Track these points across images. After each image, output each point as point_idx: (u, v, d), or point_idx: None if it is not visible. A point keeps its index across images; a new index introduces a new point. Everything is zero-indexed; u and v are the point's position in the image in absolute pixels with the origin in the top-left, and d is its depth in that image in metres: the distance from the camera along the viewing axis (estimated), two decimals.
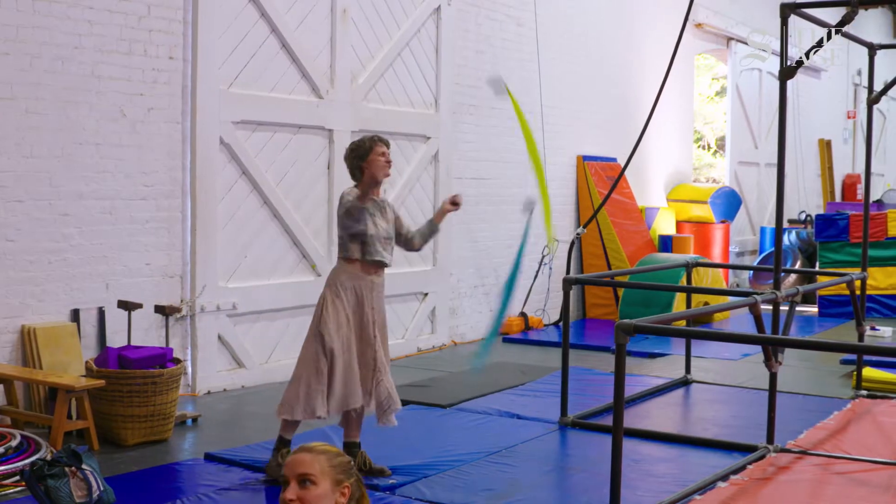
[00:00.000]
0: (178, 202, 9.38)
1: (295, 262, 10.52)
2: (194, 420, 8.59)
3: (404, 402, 9.26)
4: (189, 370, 9.51)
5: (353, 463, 3.58)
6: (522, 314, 13.78)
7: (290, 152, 10.41)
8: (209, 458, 7.46)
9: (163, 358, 8.09)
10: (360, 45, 11.13)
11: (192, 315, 9.50)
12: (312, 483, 3.42)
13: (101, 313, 8.80)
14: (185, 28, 9.36)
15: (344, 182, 10.32)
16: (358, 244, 6.88)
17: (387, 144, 7.01)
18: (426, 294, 12.17)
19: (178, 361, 8.26)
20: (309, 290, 10.50)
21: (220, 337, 9.74)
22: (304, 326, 10.40)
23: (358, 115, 11.07)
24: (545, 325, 14.10)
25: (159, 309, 8.91)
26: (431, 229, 7.35)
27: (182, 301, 9.43)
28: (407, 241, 7.29)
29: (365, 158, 6.88)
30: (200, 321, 9.54)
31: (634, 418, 8.88)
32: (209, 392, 9.62)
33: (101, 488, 6.23)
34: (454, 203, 7.28)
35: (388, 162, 6.98)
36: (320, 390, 6.77)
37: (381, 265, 7.00)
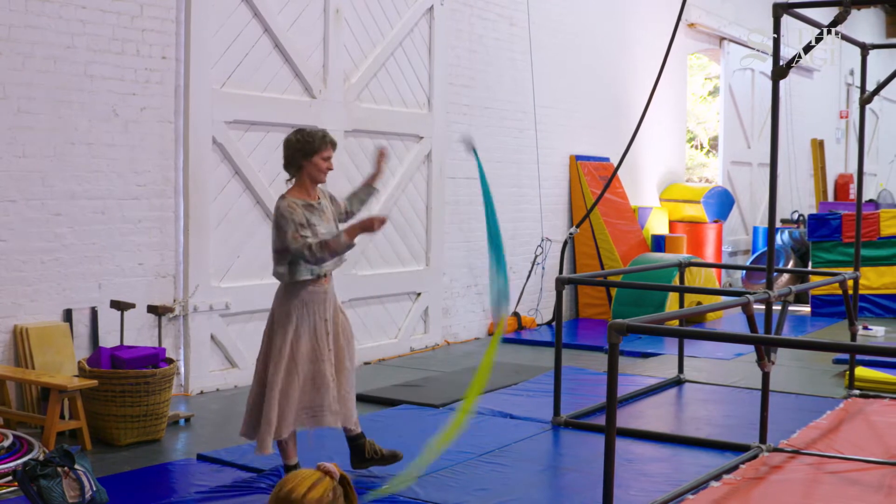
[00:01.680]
0: (170, 202, 9.38)
1: None
2: (187, 420, 8.59)
3: (397, 402, 9.28)
4: (182, 370, 9.50)
5: (338, 489, 3.40)
6: (515, 314, 13.78)
7: (282, 152, 10.37)
8: (202, 458, 7.45)
9: (155, 358, 8.08)
10: (352, 44, 11.13)
11: (184, 315, 9.49)
12: None
13: (94, 313, 8.79)
14: (178, 28, 9.35)
15: (335, 183, 10.34)
16: (296, 264, 6.53)
17: (334, 146, 6.69)
18: (419, 294, 12.17)
19: (170, 361, 8.25)
20: None
21: (212, 337, 9.73)
22: None
23: (351, 114, 11.06)
24: (538, 325, 14.11)
25: (152, 309, 8.90)
26: (368, 191, 6.97)
27: (175, 301, 9.42)
28: (349, 217, 6.94)
29: (310, 157, 6.56)
30: (193, 321, 9.53)
31: (627, 418, 8.89)
32: (202, 392, 9.62)
33: (94, 488, 6.22)
34: (382, 155, 6.94)
35: (330, 168, 6.66)
36: (288, 409, 6.50)
37: (323, 276, 6.64)
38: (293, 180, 6.69)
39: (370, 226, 6.47)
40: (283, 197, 6.60)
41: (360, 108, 11.22)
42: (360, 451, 6.98)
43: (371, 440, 7.04)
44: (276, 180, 10.28)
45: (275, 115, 10.25)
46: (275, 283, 10.17)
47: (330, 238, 6.44)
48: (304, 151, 6.56)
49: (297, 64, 10.44)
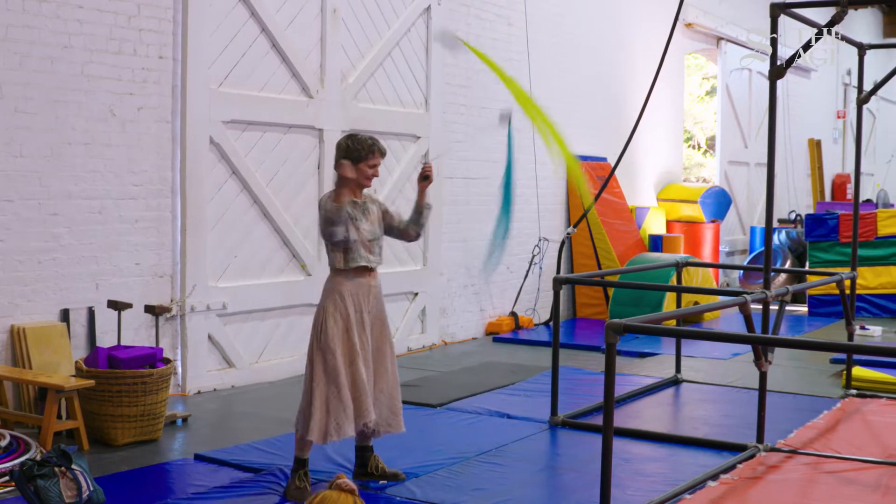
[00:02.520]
0: (167, 202, 9.37)
1: (285, 262, 10.52)
2: (184, 420, 8.58)
3: None
4: (179, 370, 9.49)
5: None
6: (513, 313, 13.79)
7: (279, 152, 10.40)
8: (199, 458, 7.45)
9: (153, 358, 8.08)
10: (350, 44, 11.13)
11: (181, 315, 9.48)
12: None
13: (91, 313, 8.78)
14: (175, 27, 9.35)
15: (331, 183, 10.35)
16: (340, 252, 6.71)
17: (383, 154, 6.85)
18: (416, 294, 12.16)
19: (167, 361, 8.25)
20: (299, 290, 10.52)
21: (210, 337, 9.73)
22: (295, 326, 10.48)
23: (348, 114, 11.06)
24: (535, 325, 14.11)
25: (149, 309, 8.90)
26: (419, 212, 7.07)
27: (172, 301, 9.42)
28: (402, 233, 7.08)
29: (357, 162, 6.69)
30: (190, 321, 9.53)
31: (625, 418, 8.89)
32: (199, 392, 9.61)
33: (91, 488, 6.22)
34: (425, 177, 7.03)
35: (376, 175, 6.82)
36: (342, 409, 6.55)
37: (369, 270, 6.81)
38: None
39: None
40: (327, 193, 6.82)
41: (358, 108, 11.22)
42: (363, 462, 6.99)
43: (376, 455, 7.04)
44: (273, 179, 10.29)
45: (272, 114, 10.25)
46: (270, 283, 10.27)
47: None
48: (354, 157, 6.69)
49: (294, 64, 10.43)
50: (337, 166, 6.70)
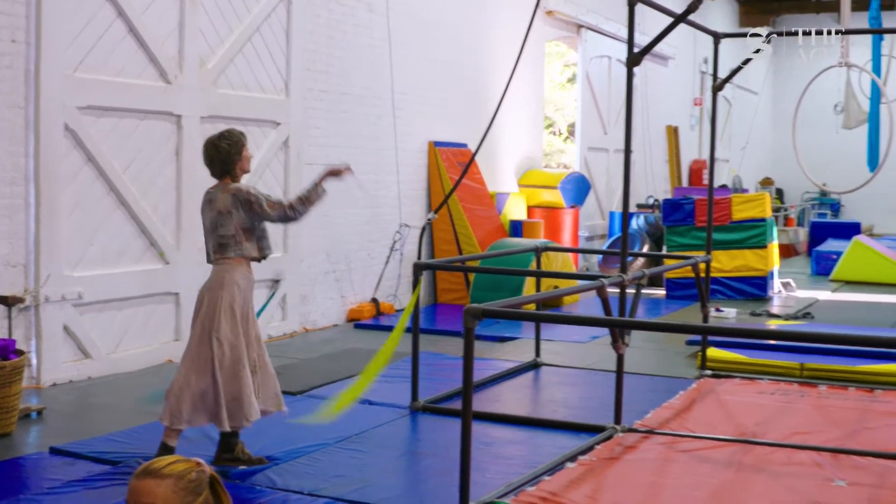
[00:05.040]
0: (21, 189, 9.16)
1: (142, 251, 10.36)
2: (39, 413, 8.41)
3: None
4: (33, 362, 9.29)
5: (204, 474, 3.34)
6: (374, 300, 13.79)
7: (137, 139, 10.23)
8: (54, 451, 7.30)
9: (5, 350, 7.90)
10: (209, 29, 11.00)
11: (36, 305, 9.28)
12: None
13: None
14: (29, 10, 9.12)
15: (192, 169, 10.25)
16: (254, 241, 6.92)
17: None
18: (277, 281, 12.09)
19: (21, 353, 8.06)
20: (157, 279, 10.38)
21: (65, 327, 9.54)
22: (154, 315, 10.35)
23: (207, 100, 10.94)
24: (396, 311, 14.13)
25: (1, 299, 8.69)
26: (316, 192, 7.10)
27: (25, 291, 9.21)
28: (284, 216, 7.11)
29: (241, 153, 6.95)
30: (45, 311, 9.33)
31: (485, 402, 8.96)
32: (55, 384, 9.42)
33: None
34: (337, 172, 7.26)
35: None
36: (247, 394, 6.74)
37: (264, 258, 7.10)
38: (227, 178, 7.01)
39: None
40: (232, 185, 6.95)
41: (217, 94, 11.10)
42: (230, 448, 6.96)
43: (242, 441, 7.03)
44: (130, 167, 10.12)
45: (129, 100, 10.09)
46: (128, 272, 10.10)
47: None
48: (237, 150, 6.94)
49: (151, 48, 10.27)
50: (243, 162, 6.97)
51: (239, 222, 6.86)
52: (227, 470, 6.80)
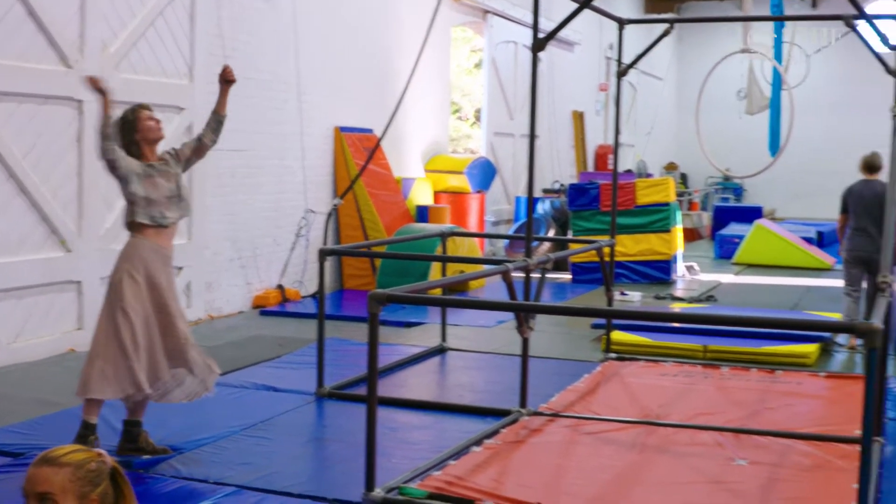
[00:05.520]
0: None
1: (43, 239, 10.17)
2: None
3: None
4: None
5: (105, 465, 3.27)
6: (279, 286, 13.71)
7: (37, 124, 10.04)
8: None
9: None
10: (111, 13, 10.82)
11: None
12: (52, 502, 3.09)
13: None
14: None
15: (94, 155, 10.05)
16: (133, 207, 6.78)
17: (146, 107, 6.98)
18: (181, 268, 11.96)
19: None
20: (59, 267, 10.22)
21: None
22: (55, 304, 10.20)
23: (109, 85, 10.74)
24: (303, 297, 14.06)
25: None
26: (218, 120, 7.29)
27: None
28: (198, 150, 7.23)
29: (135, 130, 6.85)
30: None
31: (391, 387, 8.95)
32: None
33: None
34: (226, 80, 7.29)
35: (156, 120, 6.96)
36: (134, 366, 6.60)
37: (162, 227, 6.84)
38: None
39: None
40: None
41: (119, 79, 10.91)
42: (133, 438, 6.88)
43: (146, 431, 6.96)
44: (30, 153, 9.94)
45: (28, 85, 9.89)
46: (28, 260, 9.93)
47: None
48: (128, 129, 6.88)
49: (52, 33, 10.09)
50: (142, 133, 6.89)
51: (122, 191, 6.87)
52: (131, 460, 6.71)
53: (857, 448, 5.13)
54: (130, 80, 11.06)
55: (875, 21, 8.63)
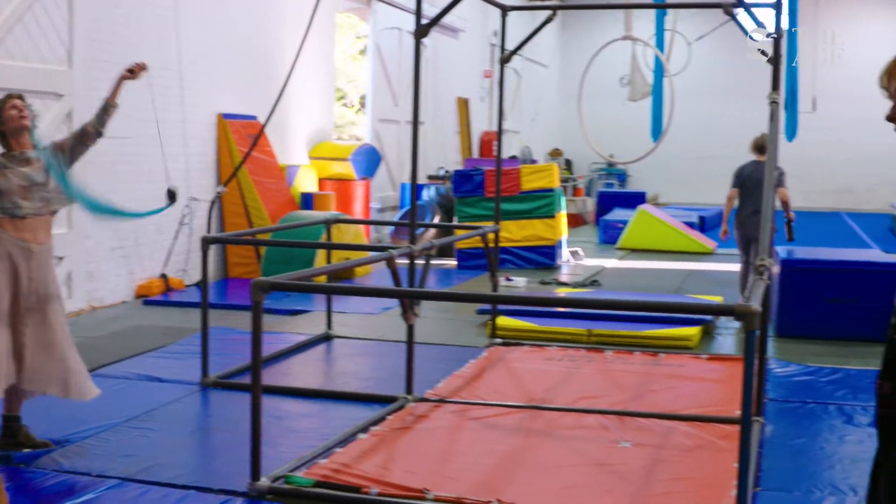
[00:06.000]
0: None
1: None
2: None
3: None
4: None
5: None
6: (163, 275, 13.55)
7: None
8: None
9: None
10: None
11: None
12: None
13: None
14: None
15: None
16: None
17: (16, 96, 6.79)
18: (61, 258, 11.75)
19: None
20: None
21: None
22: None
23: None
24: (187, 286, 13.90)
25: None
26: (105, 109, 7.15)
27: None
28: (83, 139, 7.13)
29: (0, 122, 6.69)
30: None
31: (276, 375, 8.91)
32: None
33: None
34: (129, 71, 7.19)
35: (21, 111, 6.73)
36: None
37: (18, 218, 6.62)
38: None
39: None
40: None
41: None
42: (13, 433, 6.76)
43: (25, 426, 6.85)
44: None
45: None
46: None
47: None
48: None
49: None
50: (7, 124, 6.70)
51: None
52: (11, 454, 6.60)
53: (738, 428, 5.22)
54: (7, 66, 10.84)
55: (752, 9, 8.78)
